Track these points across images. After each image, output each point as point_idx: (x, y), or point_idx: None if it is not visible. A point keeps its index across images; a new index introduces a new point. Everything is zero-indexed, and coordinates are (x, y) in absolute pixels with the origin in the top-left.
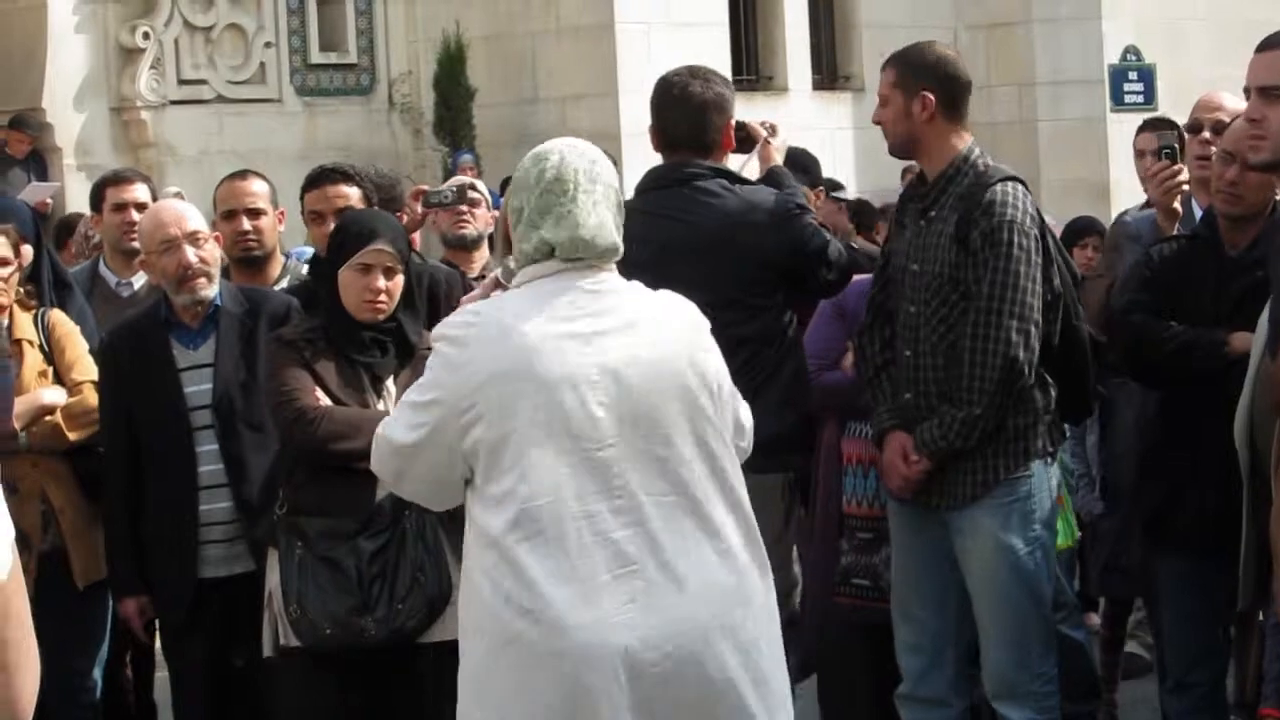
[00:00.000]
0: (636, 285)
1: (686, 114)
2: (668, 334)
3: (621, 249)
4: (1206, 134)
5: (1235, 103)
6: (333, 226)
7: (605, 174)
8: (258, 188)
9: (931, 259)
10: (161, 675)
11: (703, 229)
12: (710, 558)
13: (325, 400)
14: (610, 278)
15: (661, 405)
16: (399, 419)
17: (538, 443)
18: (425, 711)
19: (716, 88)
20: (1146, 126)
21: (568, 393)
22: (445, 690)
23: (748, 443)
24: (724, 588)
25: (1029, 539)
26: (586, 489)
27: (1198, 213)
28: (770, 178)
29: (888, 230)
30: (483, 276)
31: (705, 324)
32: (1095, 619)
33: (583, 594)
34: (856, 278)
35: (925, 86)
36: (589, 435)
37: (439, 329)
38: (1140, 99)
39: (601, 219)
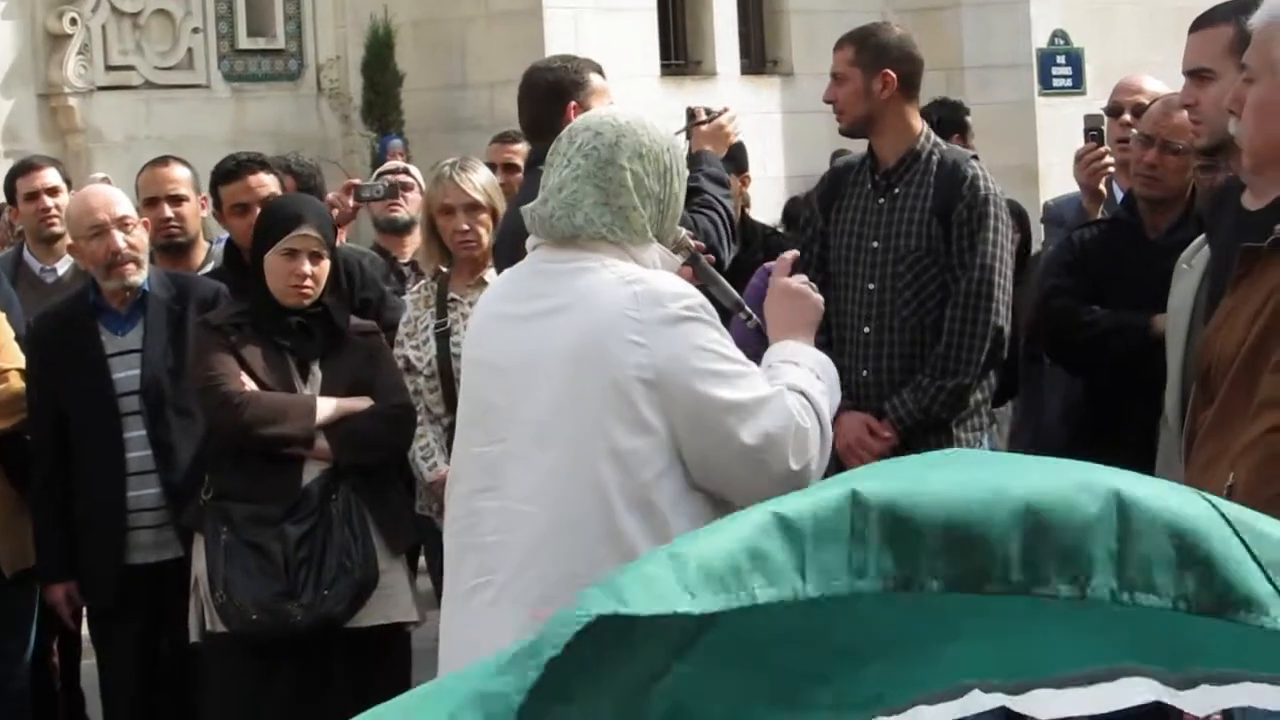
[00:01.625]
0: (601, 265)
1: (529, 103)
2: (586, 321)
3: (611, 233)
4: (1127, 116)
5: (1156, 85)
6: (260, 210)
7: (607, 150)
8: (179, 174)
9: (903, 234)
10: (89, 663)
11: (509, 212)
12: (543, 587)
13: (251, 385)
14: (576, 256)
15: (561, 405)
16: None
17: (464, 427)
18: (352, 696)
19: (557, 74)
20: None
21: (484, 379)
22: (371, 675)
23: (761, 447)
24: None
25: None
26: (478, 484)
27: (1119, 195)
28: (692, 160)
29: (807, 214)
30: (412, 263)
31: (655, 313)
32: None
33: (453, 598)
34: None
35: (887, 65)
36: (489, 427)
37: None
38: (1069, 83)
39: (574, 196)
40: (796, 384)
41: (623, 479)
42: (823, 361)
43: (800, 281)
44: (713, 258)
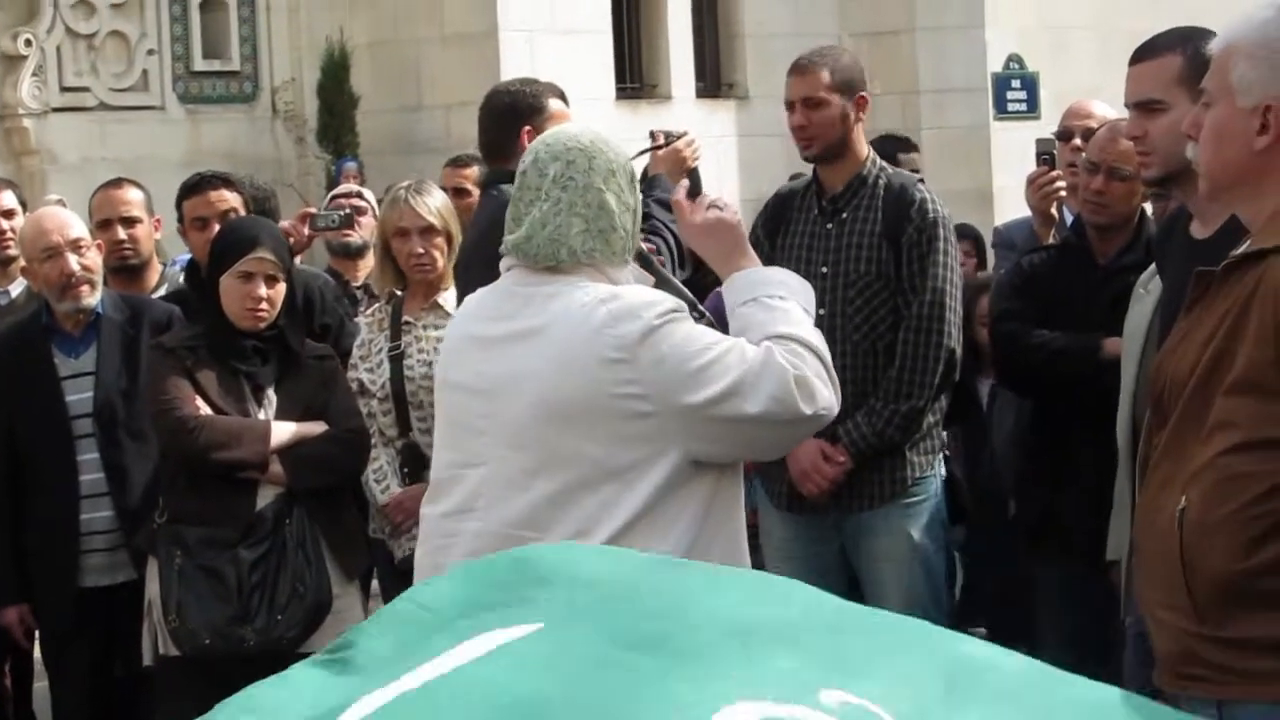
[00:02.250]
0: (578, 287)
1: (486, 125)
2: (563, 343)
3: (589, 258)
4: (1078, 141)
5: (1105, 110)
6: (217, 231)
7: (583, 176)
8: (132, 196)
9: (853, 259)
10: (41, 685)
11: (469, 236)
12: None
13: (206, 409)
14: (556, 279)
15: (545, 427)
16: None
17: (440, 449)
18: None
19: (514, 97)
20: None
21: (459, 400)
22: None
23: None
24: None
25: (936, 539)
26: (456, 506)
27: (1070, 219)
28: (646, 184)
29: (750, 240)
30: (366, 286)
31: (632, 330)
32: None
33: None
34: None
35: (859, 88)
36: (470, 450)
37: None
38: (1023, 107)
39: (559, 230)
40: (776, 329)
41: (623, 494)
42: (777, 279)
43: (705, 207)
44: (664, 259)
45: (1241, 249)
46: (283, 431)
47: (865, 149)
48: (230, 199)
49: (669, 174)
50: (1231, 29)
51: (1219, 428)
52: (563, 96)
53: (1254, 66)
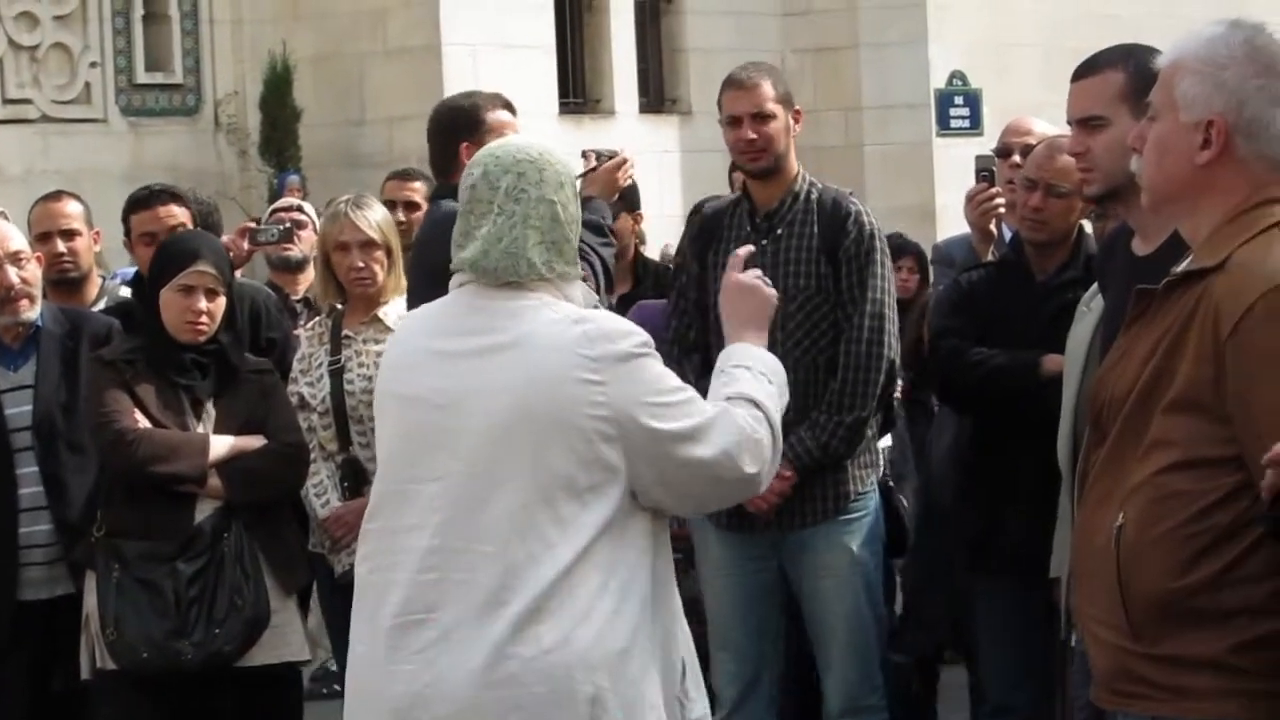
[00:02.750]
0: (543, 304)
1: (430, 139)
2: (532, 361)
3: (549, 270)
4: (1017, 158)
5: (1045, 127)
6: (158, 245)
7: (535, 188)
8: (72, 209)
9: (791, 275)
10: None
11: (413, 250)
12: (508, 628)
13: (145, 422)
14: (521, 294)
15: (508, 443)
16: None
17: (388, 464)
18: None
19: (454, 113)
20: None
21: (416, 414)
22: (262, 714)
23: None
24: (512, 661)
25: (876, 554)
26: (410, 521)
27: (1009, 235)
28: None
29: (678, 259)
30: (306, 299)
31: (602, 350)
32: None
33: (374, 634)
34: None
35: (794, 104)
36: (425, 464)
37: None
38: (966, 124)
39: (517, 243)
40: (748, 393)
41: (580, 514)
42: (772, 364)
43: (754, 276)
44: (592, 284)
45: (1182, 267)
46: (221, 445)
47: (796, 164)
48: (178, 214)
49: (601, 195)
50: (1180, 45)
51: (1157, 446)
52: (509, 107)
53: (1198, 82)
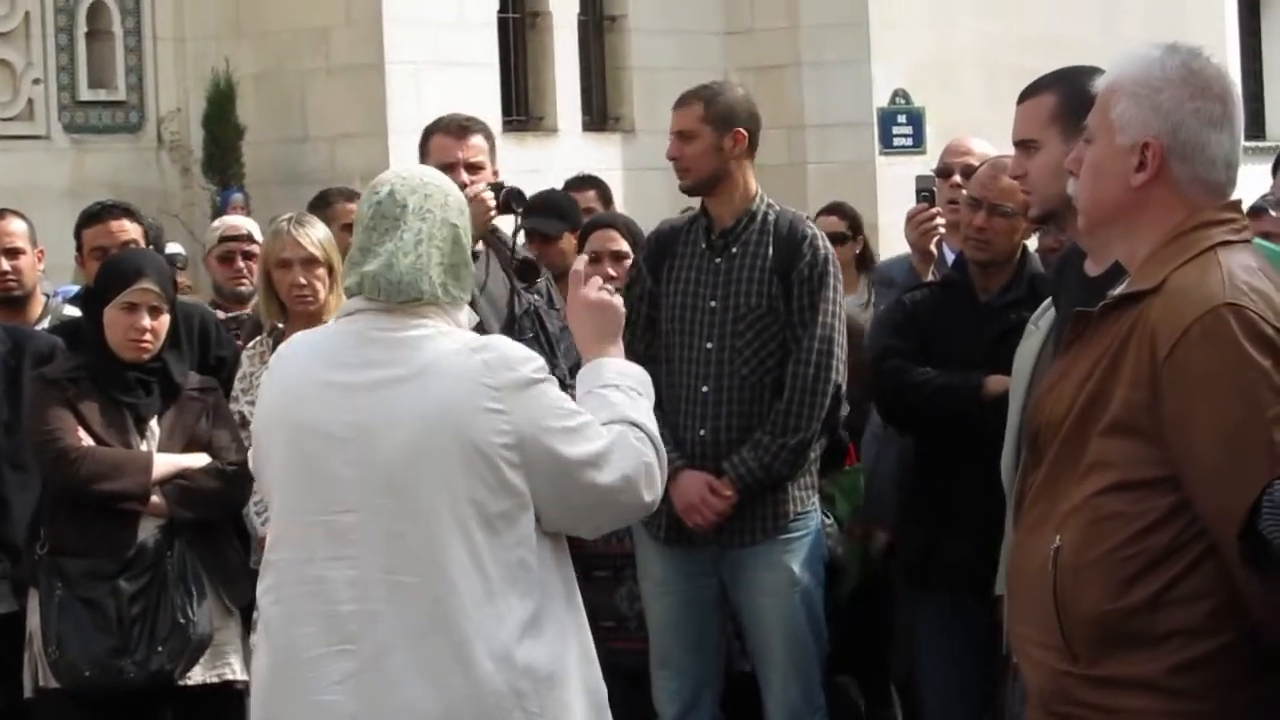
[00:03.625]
0: (440, 334)
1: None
2: (436, 392)
3: (445, 294)
4: (957, 178)
5: (984, 147)
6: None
7: (440, 210)
8: (16, 227)
9: (743, 293)
10: None
11: None
12: (445, 651)
13: (88, 440)
14: (413, 324)
15: (411, 474)
16: None
17: (286, 495)
18: None
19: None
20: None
21: (317, 446)
22: None
23: (600, 506)
24: (451, 693)
25: (816, 573)
26: (321, 553)
27: (950, 256)
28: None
29: (633, 274)
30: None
31: (505, 379)
32: None
33: (294, 664)
34: None
35: (737, 124)
36: (332, 497)
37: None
38: (909, 142)
39: (420, 260)
40: (625, 414)
41: (494, 542)
42: (638, 375)
43: (598, 289)
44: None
45: (1119, 290)
46: (165, 463)
47: (754, 184)
48: (131, 230)
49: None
50: (1116, 67)
51: (1094, 468)
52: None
53: (1134, 104)
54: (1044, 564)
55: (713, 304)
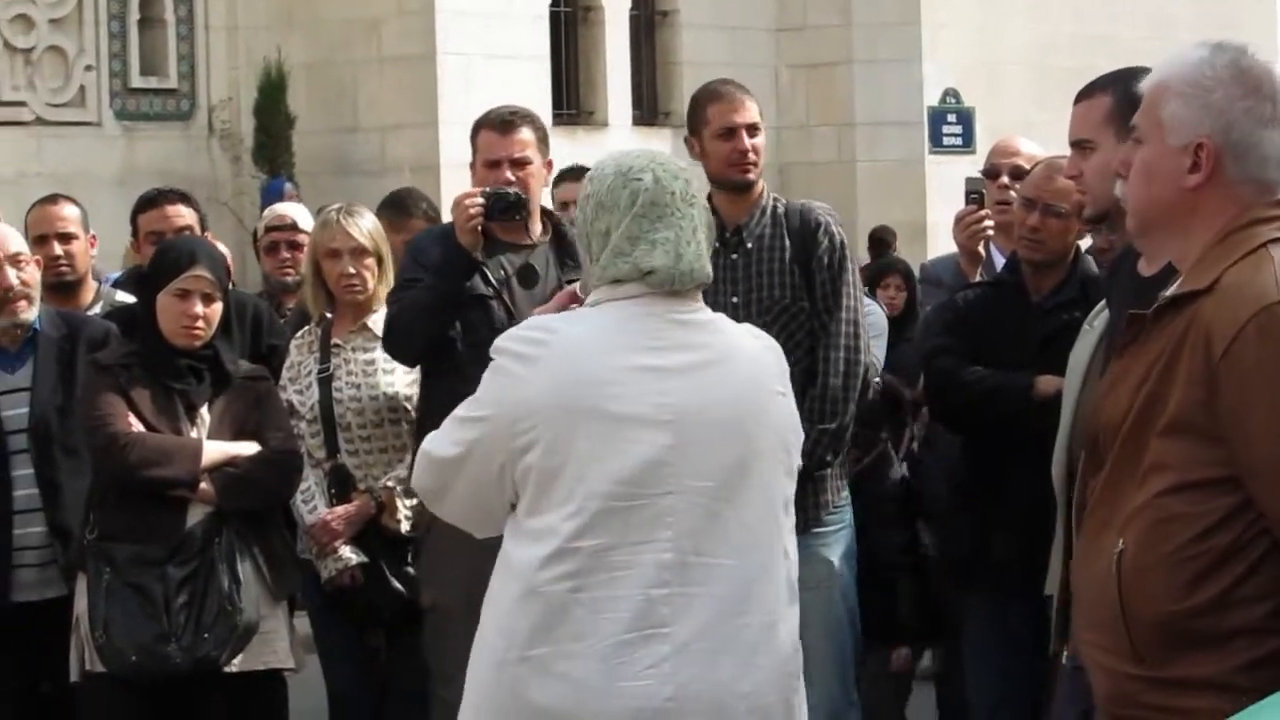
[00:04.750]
0: (722, 317)
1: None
2: (750, 374)
3: (709, 277)
4: (1004, 179)
5: (1032, 148)
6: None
7: (699, 195)
8: (69, 212)
9: (765, 286)
10: None
11: None
12: (750, 636)
13: (139, 426)
14: (700, 308)
15: (733, 454)
16: (444, 433)
17: (591, 481)
18: None
19: None
20: None
21: (632, 431)
22: (249, 718)
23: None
24: (765, 665)
25: (851, 566)
26: (633, 538)
27: (997, 257)
28: None
29: None
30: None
31: (784, 366)
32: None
33: (603, 652)
34: None
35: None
36: (647, 481)
37: (502, 341)
38: (959, 141)
39: (699, 247)
40: None
41: (789, 524)
42: None
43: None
44: None
45: (1171, 290)
46: (214, 450)
47: (761, 180)
48: (186, 215)
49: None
50: (1164, 68)
51: (1153, 470)
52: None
53: (1185, 105)
54: (1108, 567)
55: (734, 299)
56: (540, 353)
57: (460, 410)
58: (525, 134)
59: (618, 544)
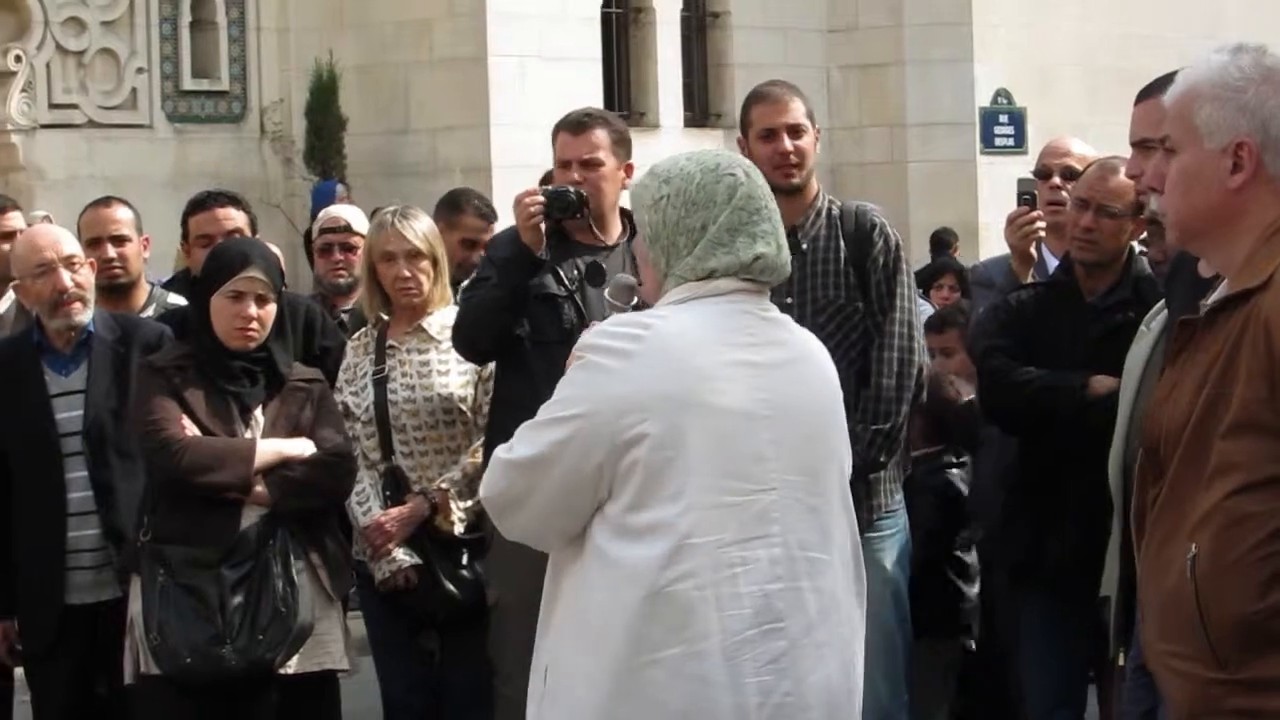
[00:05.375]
0: (789, 318)
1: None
2: (825, 373)
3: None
4: (1056, 179)
5: (1083, 149)
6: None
7: (774, 195)
8: (122, 215)
9: (820, 287)
10: (23, 701)
11: None
12: (847, 622)
13: (192, 430)
14: (774, 306)
15: (819, 451)
16: (525, 437)
17: (703, 476)
18: None
19: None
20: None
21: (738, 427)
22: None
23: None
24: (856, 656)
25: (905, 570)
26: (746, 533)
27: (1048, 258)
28: None
29: None
30: (352, 311)
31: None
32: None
33: (728, 650)
34: None
35: (815, 122)
36: (754, 476)
37: (591, 338)
38: (1010, 142)
39: (784, 241)
40: None
41: (851, 519)
42: None
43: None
44: None
45: (1219, 292)
46: (267, 451)
47: (813, 183)
48: (236, 218)
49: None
50: (1188, 76)
51: (1220, 472)
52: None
53: (1219, 107)
54: (1181, 574)
55: (789, 300)
56: (638, 348)
57: (544, 413)
58: (598, 136)
59: (733, 540)
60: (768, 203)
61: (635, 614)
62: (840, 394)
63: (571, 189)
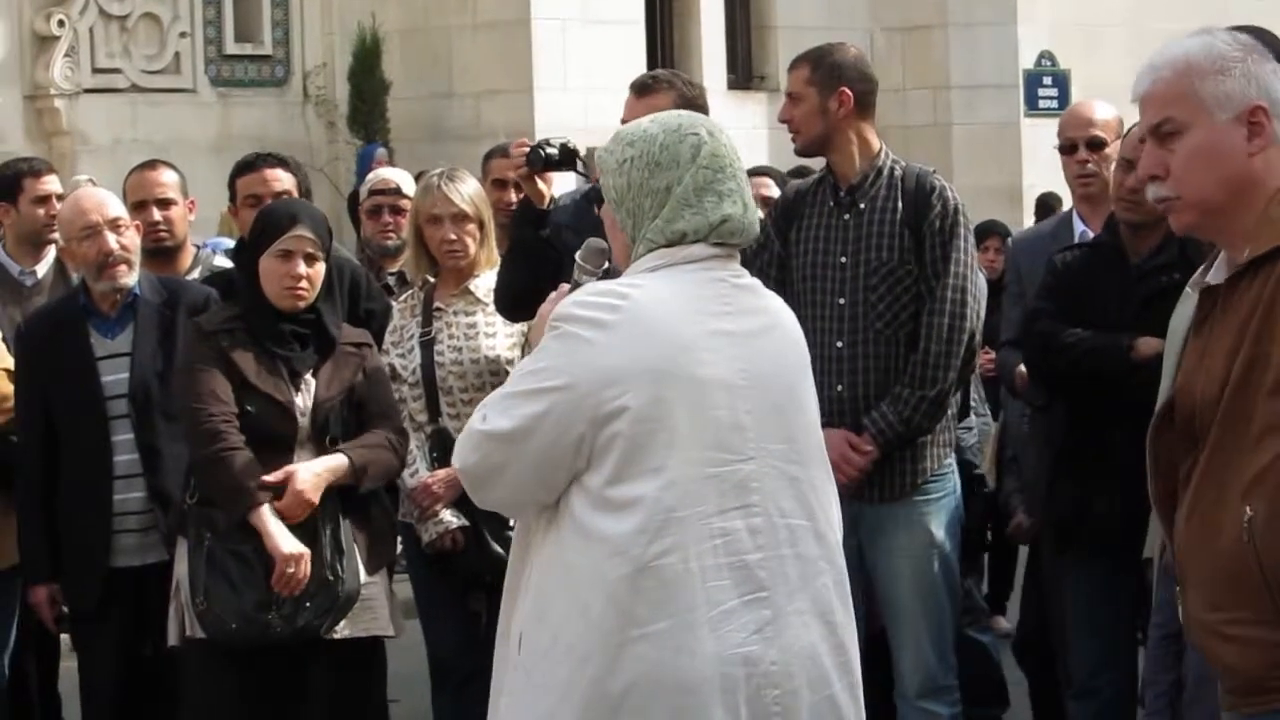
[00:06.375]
0: (759, 283)
1: None
2: (795, 339)
3: None
4: (1083, 153)
5: (1105, 111)
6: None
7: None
8: (167, 178)
9: (873, 248)
10: (68, 665)
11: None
12: (830, 589)
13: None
14: (745, 271)
15: (795, 419)
16: (501, 408)
17: (685, 449)
18: (328, 705)
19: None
20: None
21: (719, 397)
22: (348, 686)
23: None
24: (839, 622)
25: (954, 535)
26: (726, 504)
27: (1080, 229)
28: None
29: (761, 239)
30: (399, 274)
31: None
32: (1003, 623)
33: (714, 620)
34: None
35: (843, 84)
36: (734, 446)
37: (568, 308)
38: (1055, 104)
39: (749, 200)
40: None
41: (829, 489)
42: None
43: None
44: None
45: (1246, 255)
46: (306, 480)
47: (875, 141)
48: (284, 180)
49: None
50: (1171, 60)
51: (1269, 431)
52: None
53: (1223, 80)
54: (1236, 539)
55: (843, 259)
56: (617, 318)
57: (520, 384)
58: (661, 98)
59: (715, 511)
60: (733, 161)
61: (621, 589)
62: (808, 359)
63: (555, 141)
